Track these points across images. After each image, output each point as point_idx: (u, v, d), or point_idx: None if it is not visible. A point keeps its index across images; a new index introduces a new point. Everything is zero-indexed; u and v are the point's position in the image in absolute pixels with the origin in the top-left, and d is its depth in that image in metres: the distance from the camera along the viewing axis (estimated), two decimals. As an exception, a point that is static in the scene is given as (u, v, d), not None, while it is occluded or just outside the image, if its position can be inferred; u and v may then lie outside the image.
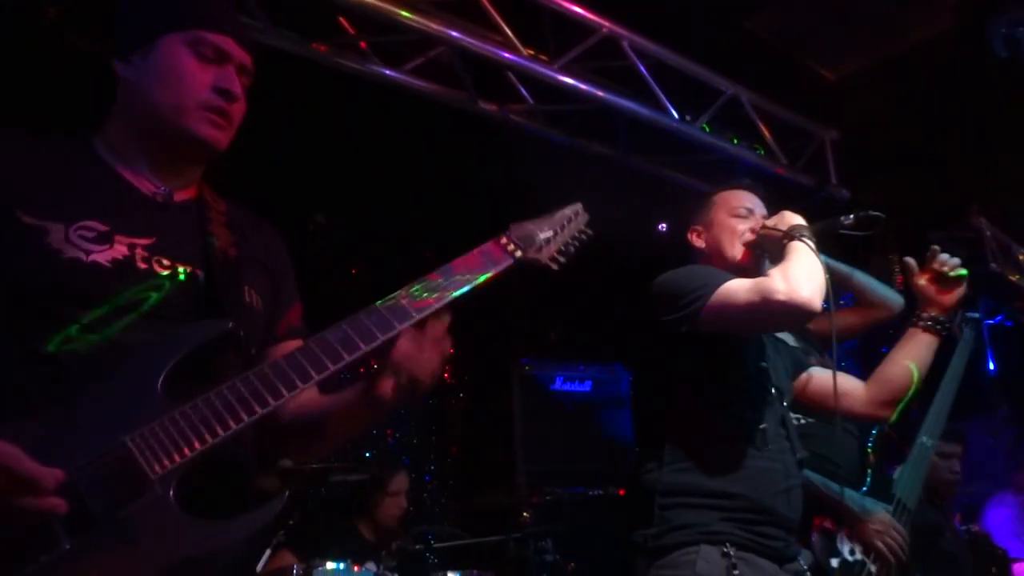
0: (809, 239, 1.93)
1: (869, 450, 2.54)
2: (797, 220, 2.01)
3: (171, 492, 1.12)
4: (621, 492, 4.67)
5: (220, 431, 1.16)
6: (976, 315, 2.84)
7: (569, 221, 1.58)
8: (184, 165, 1.44)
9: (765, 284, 1.83)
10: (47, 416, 1.13)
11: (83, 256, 1.23)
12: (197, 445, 1.15)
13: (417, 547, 3.56)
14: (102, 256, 1.25)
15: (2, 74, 3.14)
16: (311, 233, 4.96)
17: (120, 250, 1.27)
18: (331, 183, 4.49)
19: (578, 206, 1.63)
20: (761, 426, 1.92)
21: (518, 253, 1.47)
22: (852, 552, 2.27)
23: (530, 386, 5.13)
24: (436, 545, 3.62)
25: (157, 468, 1.12)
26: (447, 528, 4.27)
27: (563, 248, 1.55)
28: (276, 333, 1.49)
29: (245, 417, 1.18)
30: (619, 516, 4.43)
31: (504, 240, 1.48)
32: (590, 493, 4.53)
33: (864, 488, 2.46)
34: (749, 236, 2.11)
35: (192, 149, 1.40)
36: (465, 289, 1.39)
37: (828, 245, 2.10)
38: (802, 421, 2.42)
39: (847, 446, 2.55)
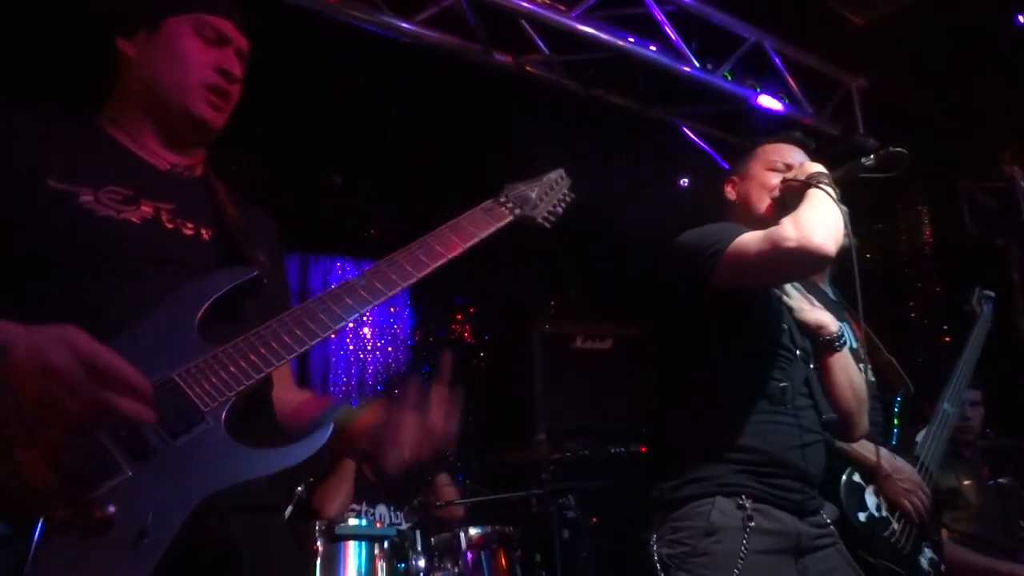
0: (828, 186, 1.89)
1: (896, 410, 2.52)
2: (817, 168, 1.97)
3: (222, 423, 1.19)
4: (643, 449, 4.67)
5: (263, 367, 1.23)
6: (992, 293, 3.00)
7: (555, 185, 1.72)
8: (185, 143, 1.50)
9: (775, 232, 1.81)
10: None
11: (115, 214, 1.30)
12: (244, 381, 1.21)
13: (439, 504, 3.58)
14: (132, 215, 1.32)
15: (9, 44, 3.11)
16: (329, 193, 4.96)
17: (147, 211, 1.35)
18: (347, 142, 4.46)
19: (560, 171, 1.76)
20: (781, 384, 1.91)
21: (516, 211, 1.59)
22: (879, 508, 2.25)
23: (551, 344, 5.12)
24: (458, 502, 3.64)
25: (209, 401, 1.18)
26: (469, 485, 4.30)
27: (552, 208, 1.68)
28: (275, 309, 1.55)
29: (285, 355, 1.25)
30: (640, 472, 4.44)
31: (503, 199, 1.60)
32: (611, 450, 4.54)
33: (892, 444, 2.45)
34: (775, 190, 2.07)
35: (190, 127, 1.47)
36: (472, 242, 1.50)
37: (857, 192, 2.05)
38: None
39: (877, 409, 2.53)
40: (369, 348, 5.44)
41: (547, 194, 1.68)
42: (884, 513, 2.24)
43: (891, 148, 2.01)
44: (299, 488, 3.33)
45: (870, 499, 2.24)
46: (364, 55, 3.83)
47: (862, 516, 2.23)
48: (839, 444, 2.17)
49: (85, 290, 1.25)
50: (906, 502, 2.25)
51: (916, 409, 2.63)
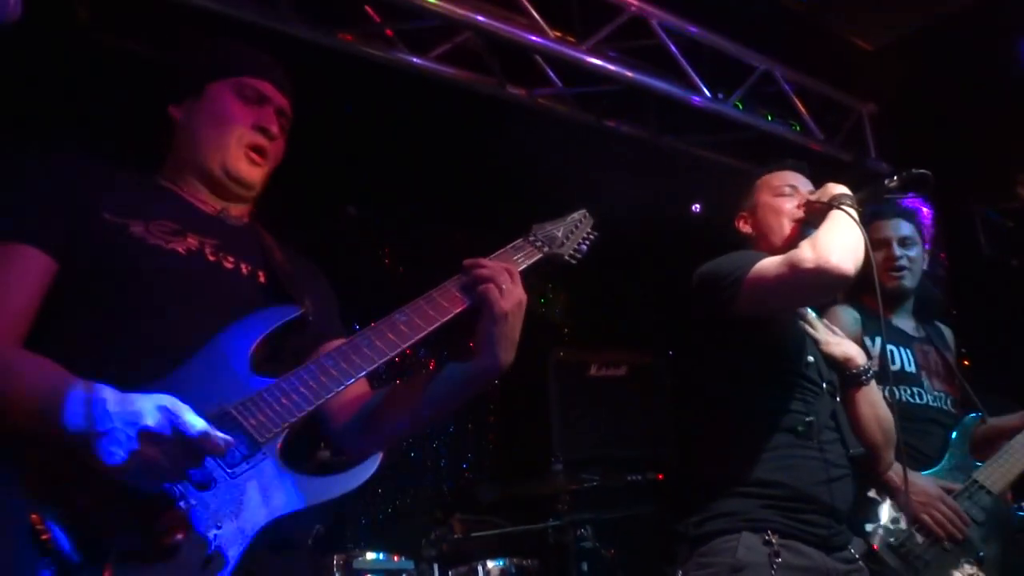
0: (851, 207, 1.90)
1: (955, 434, 2.52)
2: (840, 189, 1.98)
3: (276, 454, 1.27)
4: (660, 477, 4.63)
5: (315, 400, 1.30)
6: None
7: (579, 224, 1.77)
8: (232, 198, 1.59)
9: (794, 254, 1.82)
10: (160, 386, 1.22)
11: (163, 244, 1.40)
12: (296, 413, 1.28)
13: (456, 536, 3.55)
14: (178, 246, 1.42)
15: (35, 74, 3.18)
16: (344, 224, 4.99)
17: (192, 243, 1.44)
18: (361, 174, 4.49)
19: (583, 211, 1.82)
20: (807, 418, 1.90)
21: (545, 249, 1.65)
22: (895, 521, 2.26)
23: (565, 372, 5.10)
24: (475, 534, 3.61)
25: (265, 433, 1.25)
26: (486, 517, 4.27)
27: (577, 246, 1.74)
28: (327, 332, 1.62)
29: (333, 387, 1.32)
30: (659, 502, 4.40)
31: (532, 237, 1.66)
32: (628, 479, 4.50)
33: (936, 468, 2.44)
34: (796, 212, 2.07)
35: (230, 184, 1.56)
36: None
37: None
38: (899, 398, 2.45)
39: (935, 433, 2.54)
40: (384, 378, 5.44)
41: (572, 232, 1.73)
42: (903, 525, 2.23)
43: (915, 170, 2.02)
44: (317, 526, 3.32)
45: (884, 512, 2.25)
46: (379, 88, 3.87)
47: (868, 527, 2.23)
48: (852, 452, 2.18)
49: (136, 314, 1.34)
50: (924, 516, 2.26)
51: (974, 435, 2.60)
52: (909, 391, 2.55)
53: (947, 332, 2.88)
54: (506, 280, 1.45)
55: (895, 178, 2.03)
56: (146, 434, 1.10)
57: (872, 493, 2.28)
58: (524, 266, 1.57)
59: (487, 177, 4.52)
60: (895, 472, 2.19)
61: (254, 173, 1.57)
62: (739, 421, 1.94)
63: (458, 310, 1.45)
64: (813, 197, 2.04)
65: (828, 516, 1.88)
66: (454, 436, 5.28)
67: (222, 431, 1.19)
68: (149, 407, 1.12)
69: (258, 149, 1.56)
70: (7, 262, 1.31)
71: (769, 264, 1.87)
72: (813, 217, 2.00)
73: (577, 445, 4.86)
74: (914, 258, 2.66)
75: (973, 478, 2.43)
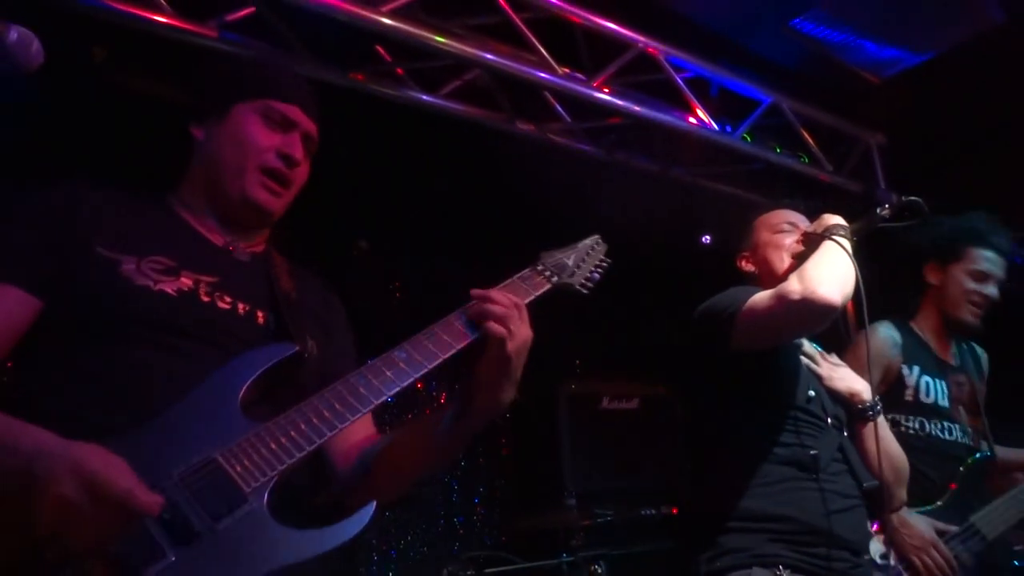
0: (844, 237, 1.90)
1: (961, 471, 2.48)
2: (834, 220, 2.00)
3: (264, 504, 1.18)
4: (674, 511, 4.58)
5: (306, 446, 1.23)
6: None
7: (591, 251, 1.71)
8: (246, 226, 1.55)
9: (782, 287, 1.83)
10: (129, 434, 1.18)
11: (151, 284, 1.33)
12: (286, 459, 1.21)
13: (469, 573, 3.52)
14: (169, 287, 1.34)
15: (52, 114, 3.24)
16: (355, 258, 5.02)
17: (186, 283, 1.36)
18: (373, 208, 4.53)
19: (597, 237, 1.75)
20: (812, 452, 1.89)
21: (554, 279, 1.58)
22: (884, 556, 2.25)
23: (577, 405, 5.08)
24: (488, 571, 3.58)
25: (252, 482, 1.18)
26: (498, 553, 4.22)
27: (589, 275, 1.67)
28: (335, 375, 1.52)
29: (326, 431, 1.25)
30: (674, 537, 4.35)
31: (540, 267, 1.59)
32: (642, 513, 4.45)
33: (930, 507, 2.40)
34: (795, 247, 2.09)
35: (247, 211, 1.50)
36: None
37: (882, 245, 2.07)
38: (912, 431, 2.44)
39: (948, 466, 2.52)
40: (394, 411, 5.42)
41: (584, 260, 1.66)
42: (892, 562, 2.22)
43: (906, 197, 2.03)
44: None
45: (874, 546, 2.22)
46: (390, 125, 3.92)
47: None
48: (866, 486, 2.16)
49: (116, 358, 1.27)
50: (915, 558, 2.24)
51: (983, 476, 2.57)
52: (940, 425, 2.53)
53: (983, 357, 2.86)
54: (514, 318, 1.38)
55: (887, 206, 2.04)
56: (57, 500, 1.03)
57: (874, 529, 2.25)
58: (531, 298, 1.50)
59: (497, 211, 4.55)
60: (895, 513, 2.20)
61: (272, 202, 1.50)
62: (742, 456, 1.94)
63: (461, 346, 1.39)
64: (810, 228, 2.06)
65: (842, 549, 1.85)
66: (466, 470, 5.25)
67: (205, 480, 1.14)
68: (60, 470, 1.05)
69: (278, 177, 1.49)
70: None
71: (760, 298, 1.88)
72: (810, 249, 2.01)
73: (590, 479, 4.82)
74: (994, 300, 2.66)
75: (971, 521, 2.40)
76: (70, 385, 1.26)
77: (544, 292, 1.55)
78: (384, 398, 1.32)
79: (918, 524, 2.30)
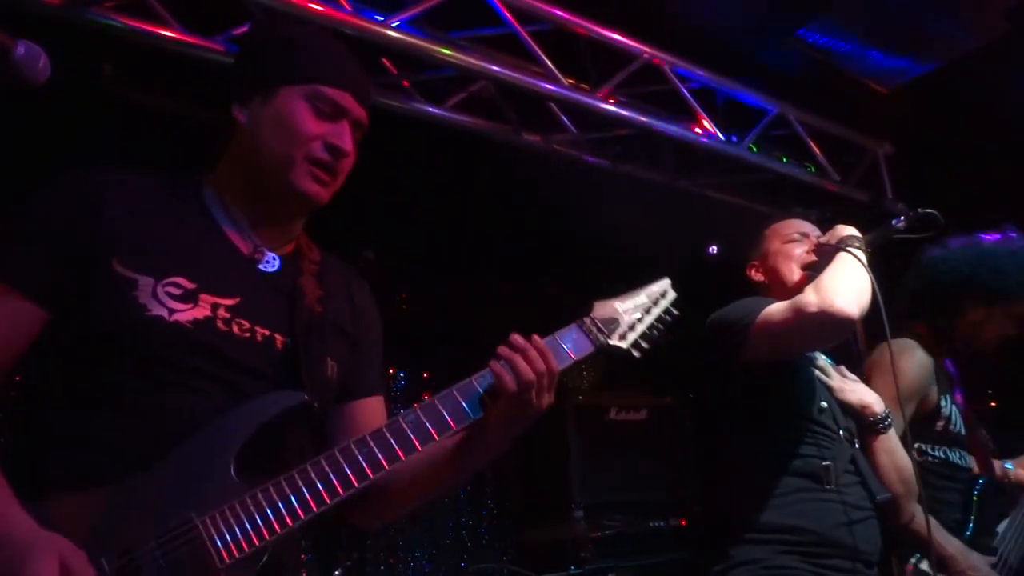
0: (858, 248, 1.89)
1: (975, 497, 2.43)
2: (848, 231, 1.98)
3: None
4: (683, 523, 4.55)
5: (290, 521, 1.16)
6: None
7: (657, 301, 1.52)
8: (284, 218, 1.44)
9: (799, 299, 1.81)
10: (119, 482, 1.14)
11: (166, 315, 1.23)
12: (266, 535, 1.14)
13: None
14: (184, 316, 1.25)
15: (60, 129, 3.26)
16: (361, 269, 5.02)
17: (203, 310, 1.27)
18: (379, 219, 4.54)
19: (667, 283, 1.57)
20: (824, 463, 1.88)
21: (600, 339, 1.43)
22: None
23: (584, 416, 5.06)
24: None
25: (225, 556, 1.11)
26: (507, 566, 4.20)
27: (647, 332, 1.48)
28: (357, 389, 1.49)
29: (315, 508, 1.19)
30: (683, 549, 4.31)
31: (588, 322, 1.44)
32: (651, 525, 4.43)
33: (966, 534, 2.37)
34: (807, 257, 2.08)
35: (293, 202, 1.41)
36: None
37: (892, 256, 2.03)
38: (931, 458, 2.38)
39: (964, 492, 2.47)
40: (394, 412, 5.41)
41: (645, 314, 1.49)
42: None
43: (922, 210, 2.01)
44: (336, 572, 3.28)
45: None
46: (396, 136, 3.94)
47: None
48: (914, 526, 2.11)
49: (123, 393, 1.21)
50: None
51: (995, 498, 2.53)
52: (957, 454, 2.47)
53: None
54: (541, 389, 1.32)
55: (903, 218, 2.02)
56: None
57: (924, 566, 2.21)
58: (569, 364, 1.38)
59: (503, 222, 4.55)
60: (956, 550, 2.15)
61: (321, 192, 1.39)
62: (753, 466, 1.93)
63: (481, 416, 1.32)
64: (823, 239, 2.05)
65: (854, 560, 1.84)
66: (473, 483, 5.23)
67: (183, 548, 1.09)
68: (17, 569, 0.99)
69: (326, 167, 1.37)
70: None
71: (775, 310, 1.86)
72: (823, 260, 2.00)
73: (598, 491, 4.80)
74: None
75: (1000, 552, 2.36)
76: (73, 413, 1.20)
77: (586, 356, 1.41)
78: (384, 472, 1.24)
79: (984, 566, 2.24)
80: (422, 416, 1.28)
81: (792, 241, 2.14)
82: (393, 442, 1.25)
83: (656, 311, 1.51)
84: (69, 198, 1.28)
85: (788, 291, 2.06)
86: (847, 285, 1.80)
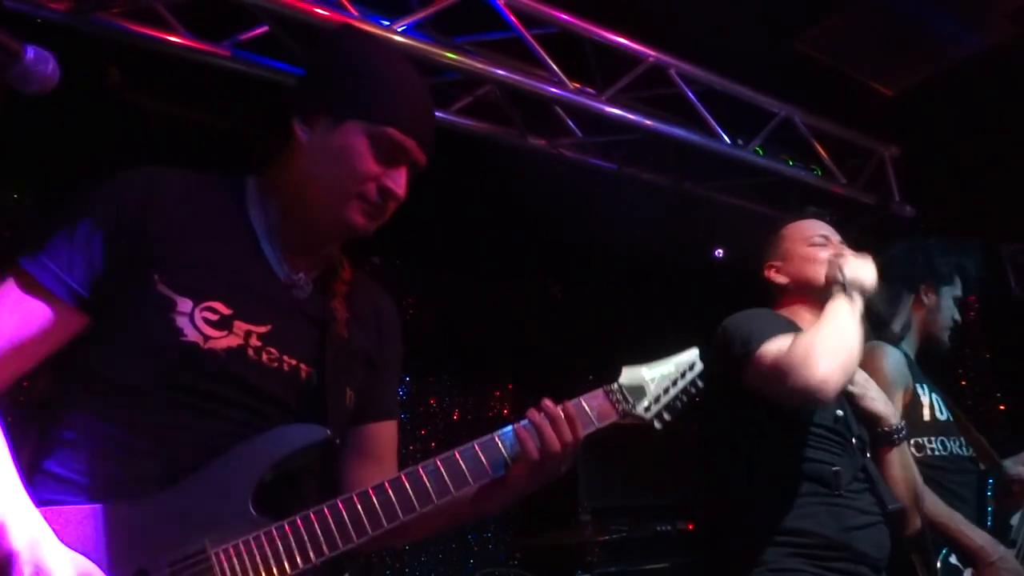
0: (860, 295, 1.85)
1: (990, 492, 2.45)
2: (863, 274, 1.90)
3: None
4: (690, 527, 4.54)
5: (301, 564, 1.17)
6: None
7: (684, 374, 1.52)
8: (325, 241, 1.45)
9: (784, 357, 1.74)
10: (137, 501, 1.15)
11: (201, 342, 1.24)
12: (276, 574, 1.16)
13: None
14: (219, 343, 1.26)
15: (68, 135, 3.28)
16: (367, 274, 5.03)
17: (236, 339, 1.28)
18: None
19: (695, 354, 1.56)
20: (834, 468, 1.86)
21: (622, 407, 1.43)
22: None
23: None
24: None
25: None
26: (514, 570, 4.20)
27: (671, 403, 1.48)
28: (371, 412, 1.50)
29: (327, 552, 1.19)
30: (689, 552, 4.30)
31: (614, 389, 1.45)
32: (657, 528, 4.42)
33: (988, 527, 2.37)
34: (833, 269, 2.05)
35: (337, 230, 1.42)
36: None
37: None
38: (937, 452, 2.39)
39: (970, 483, 2.48)
40: (408, 428, 5.42)
41: (672, 385, 1.49)
42: None
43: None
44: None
45: None
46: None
47: None
48: (943, 520, 2.12)
49: (147, 413, 1.22)
50: None
51: (1008, 491, 2.54)
52: (958, 442, 2.49)
53: None
54: (567, 457, 1.34)
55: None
56: None
57: (953, 559, 2.21)
58: (591, 431, 1.38)
59: (509, 227, 4.56)
60: (985, 542, 2.17)
61: (368, 226, 1.41)
62: (761, 469, 1.91)
63: (500, 475, 1.33)
64: (841, 262, 1.95)
65: (862, 564, 1.83)
66: (479, 486, 5.23)
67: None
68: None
69: (376, 206, 1.39)
70: (15, 299, 1.21)
71: (770, 352, 1.80)
72: (832, 276, 1.95)
73: (604, 494, 4.80)
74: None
75: (1019, 545, 2.37)
76: (97, 424, 1.21)
77: (609, 425, 1.41)
78: (399, 522, 1.25)
79: (1011, 556, 2.25)
80: (442, 470, 1.30)
81: (816, 244, 2.11)
82: (411, 493, 1.27)
83: (682, 383, 1.51)
84: (124, 195, 1.29)
85: (814, 293, 2.03)
86: (835, 347, 1.72)
